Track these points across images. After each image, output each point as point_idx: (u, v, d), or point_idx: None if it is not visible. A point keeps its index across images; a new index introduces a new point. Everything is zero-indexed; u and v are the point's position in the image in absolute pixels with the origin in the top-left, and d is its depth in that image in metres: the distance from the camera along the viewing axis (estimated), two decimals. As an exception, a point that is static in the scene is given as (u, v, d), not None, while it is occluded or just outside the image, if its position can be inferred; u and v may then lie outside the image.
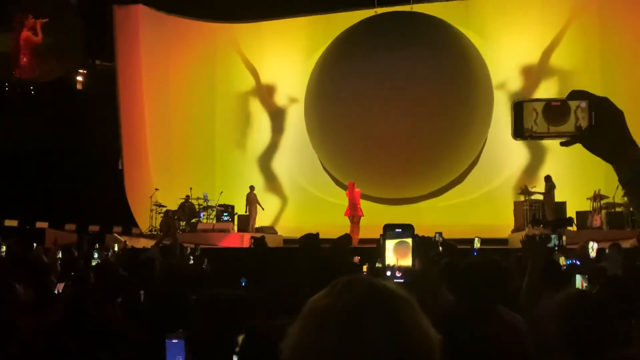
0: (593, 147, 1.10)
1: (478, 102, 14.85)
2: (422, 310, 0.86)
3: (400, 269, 2.55)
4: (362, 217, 13.06)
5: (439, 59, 14.56)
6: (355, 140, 14.80)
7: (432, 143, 14.45)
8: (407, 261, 2.20)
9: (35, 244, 8.46)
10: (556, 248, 6.15)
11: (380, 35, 14.78)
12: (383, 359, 0.79)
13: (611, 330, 1.85)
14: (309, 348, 0.82)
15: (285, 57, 17.09)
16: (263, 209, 14.92)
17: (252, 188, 15.04)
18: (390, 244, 2.20)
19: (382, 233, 2.59)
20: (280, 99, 17.48)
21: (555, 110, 1.10)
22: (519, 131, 1.12)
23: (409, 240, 2.21)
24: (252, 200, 14.88)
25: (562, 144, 1.13)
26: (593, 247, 7.28)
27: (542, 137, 1.11)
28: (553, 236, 6.71)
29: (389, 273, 2.49)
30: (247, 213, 14.79)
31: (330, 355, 0.80)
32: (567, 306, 1.89)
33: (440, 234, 7.34)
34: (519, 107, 1.12)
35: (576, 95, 1.10)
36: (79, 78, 17.04)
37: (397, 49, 14.48)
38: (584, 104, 1.09)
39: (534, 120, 1.10)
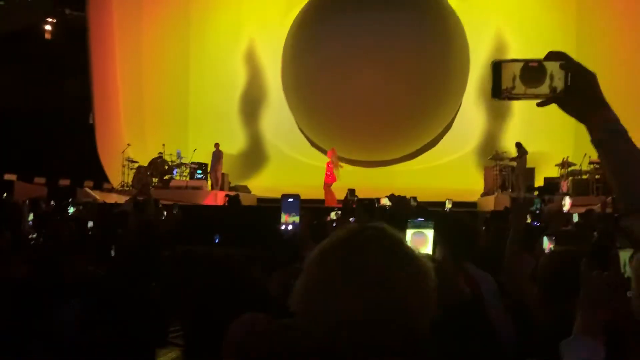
0: (567, 108, 1.14)
1: (454, 67, 14.89)
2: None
3: None
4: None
5: (416, 21, 14.48)
6: (331, 101, 14.75)
7: (407, 106, 14.49)
8: (427, 249, 2.18)
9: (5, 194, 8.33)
10: (537, 211, 6.35)
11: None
12: (380, 277, 0.89)
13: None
14: (317, 281, 0.91)
15: (263, 15, 16.74)
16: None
17: (217, 145, 14.85)
18: (407, 234, 2.22)
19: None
20: (256, 57, 17.20)
21: (532, 71, 1.12)
22: (497, 91, 1.13)
23: (427, 232, 2.20)
24: (217, 158, 14.74)
25: (538, 104, 1.15)
26: (566, 203, 7.62)
27: (519, 98, 1.14)
28: (536, 200, 6.95)
29: None
30: (210, 171, 14.64)
31: (332, 284, 0.89)
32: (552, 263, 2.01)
33: (415, 198, 7.48)
34: (497, 67, 1.13)
35: (553, 56, 1.13)
36: (48, 27, 16.43)
37: (374, 11, 14.33)
38: (559, 65, 1.11)
39: (511, 81, 1.12)
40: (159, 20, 16.45)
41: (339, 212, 6.06)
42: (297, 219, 3.51)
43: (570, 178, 12.89)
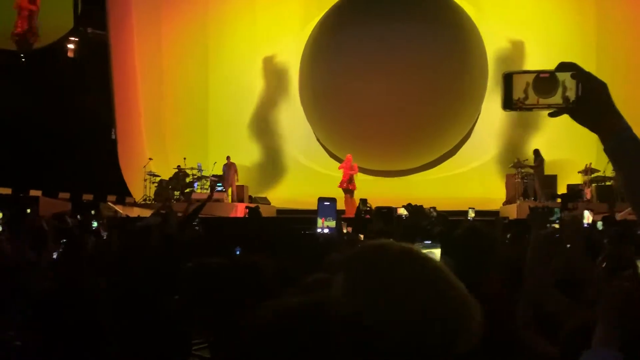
0: (580, 118, 1.14)
1: (472, 75, 14.83)
2: None
3: None
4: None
5: (434, 30, 14.47)
6: (348, 112, 14.78)
7: (426, 116, 14.46)
8: None
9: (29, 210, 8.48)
10: (557, 221, 6.24)
11: (375, 6, 14.62)
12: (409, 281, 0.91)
13: None
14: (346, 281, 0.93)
15: (280, 27, 16.90)
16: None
17: (228, 158, 15.02)
18: None
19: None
20: (274, 70, 17.34)
21: (544, 81, 1.13)
22: (508, 102, 1.14)
23: (435, 252, 2.24)
24: (230, 170, 14.88)
25: (550, 115, 1.16)
26: (585, 215, 7.41)
27: (531, 109, 1.15)
28: (556, 209, 6.82)
29: None
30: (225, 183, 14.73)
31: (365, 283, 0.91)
32: None
33: (434, 208, 7.45)
34: (508, 79, 1.14)
35: (564, 67, 1.13)
36: (71, 46, 16.79)
37: (391, 21, 14.37)
38: (570, 76, 1.12)
39: (523, 92, 1.13)
40: (178, 36, 16.71)
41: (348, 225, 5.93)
42: (333, 223, 3.51)
43: (594, 185, 12.69)
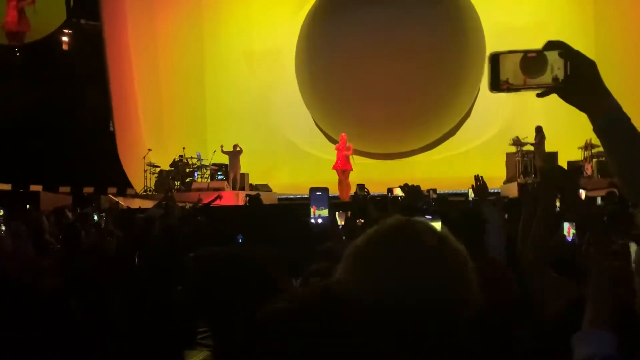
0: (568, 98, 1.12)
1: (470, 55, 14.71)
2: None
3: None
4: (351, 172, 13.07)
5: (431, 11, 14.34)
6: (346, 95, 14.71)
7: (425, 96, 14.39)
8: None
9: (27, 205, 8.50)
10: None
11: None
12: (429, 259, 0.92)
13: None
14: (360, 264, 0.93)
15: (275, 12, 16.75)
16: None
17: (235, 147, 14.95)
18: None
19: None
20: (270, 55, 17.22)
21: (531, 61, 1.10)
22: (496, 84, 1.11)
23: (436, 226, 2.25)
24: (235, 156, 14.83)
25: (538, 95, 1.13)
26: (581, 194, 7.40)
27: (518, 89, 1.11)
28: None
29: None
30: (231, 171, 14.70)
31: (379, 263, 0.92)
32: None
33: (435, 190, 7.43)
34: (495, 59, 1.11)
35: (551, 45, 1.11)
36: (65, 38, 16.67)
37: (388, 2, 14.24)
38: (558, 55, 1.09)
39: (511, 72, 1.10)
40: (172, 24, 16.59)
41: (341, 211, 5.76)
42: (325, 212, 3.52)
43: (595, 160, 12.67)
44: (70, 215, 6.59)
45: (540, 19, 15.04)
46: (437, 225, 2.25)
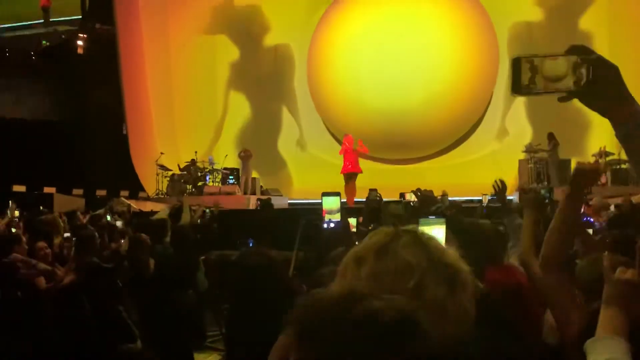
0: (590, 103, 1.10)
1: (484, 60, 14.67)
2: None
3: None
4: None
5: (444, 13, 14.33)
6: (359, 101, 14.71)
7: (438, 103, 14.35)
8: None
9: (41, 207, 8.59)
10: (546, 201, 6.17)
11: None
12: (414, 274, 0.88)
13: None
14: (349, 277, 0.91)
15: (288, 17, 16.80)
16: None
17: (246, 151, 15.05)
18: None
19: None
20: (284, 60, 17.27)
21: (553, 65, 1.08)
22: (517, 87, 1.10)
23: (439, 229, 2.22)
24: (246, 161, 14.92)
25: (559, 99, 1.12)
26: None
27: (540, 93, 1.10)
28: (543, 190, 6.78)
29: None
30: (242, 175, 14.77)
31: (368, 277, 0.89)
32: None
33: (446, 193, 7.37)
34: (517, 63, 1.10)
35: (574, 50, 1.09)
36: (80, 42, 16.87)
37: (400, 3, 14.26)
38: (580, 59, 1.08)
39: (532, 76, 1.09)
40: (185, 28, 16.70)
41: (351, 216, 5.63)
42: (337, 216, 3.52)
43: (609, 168, 12.54)
44: (82, 217, 6.64)
45: (552, 22, 14.95)
46: (441, 225, 2.23)
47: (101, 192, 13.74)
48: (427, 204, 4.41)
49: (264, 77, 17.19)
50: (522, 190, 3.11)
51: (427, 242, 0.93)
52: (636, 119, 1.08)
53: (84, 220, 6.30)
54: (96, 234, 4.17)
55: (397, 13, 14.24)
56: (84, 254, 3.84)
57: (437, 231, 2.17)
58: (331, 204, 3.55)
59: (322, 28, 15.75)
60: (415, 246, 0.91)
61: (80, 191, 13.63)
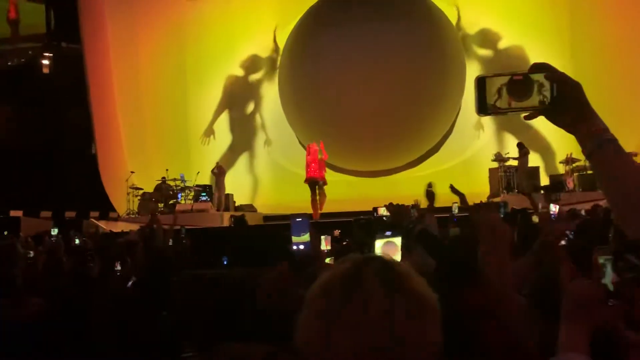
0: (555, 120, 1.12)
1: (451, 72, 14.90)
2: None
3: None
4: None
5: (411, 29, 14.53)
6: (330, 115, 14.77)
7: (407, 114, 14.49)
8: (397, 257, 2.26)
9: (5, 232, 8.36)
10: (502, 215, 6.25)
11: (353, 7, 14.66)
12: (382, 312, 0.86)
13: None
14: (317, 318, 0.88)
15: (257, 34, 16.84)
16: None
17: (219, 167, 14.96)
18: (378, 244, 2.29)
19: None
20: (253, 77, 17.28)
21: (518, 84, 1.09)
22: (483, 107, 1.11)
23: (397, 241, 2.27)
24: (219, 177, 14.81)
25: (525, 117, 1.14)
26: (552, 209, 7.52)
27: (506, 112, 1.11)
28: (502, 204, 6.92)
29: None
30: (216, 191, 14.65)
31: (336, 317, 0.86)
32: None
33: (418, 204, 7.39)
34: (481, 83, 1.11)
35: (537, 68, 1.10)
36: (45, 62, 16.59)
37: (368, 21, 14.40)
38: (544, 77, 1.09)
39: (497, 95, 1.10)
40: (154, 46, 16.58)
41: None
42: (306, 237, 3.49)
43: (576, 174, 12.83)
44: (48, 241, 6.48)
45: (518, 37, 15.30)
46: (398, 241, 2.24)
47: (70, 214, 13.45)
48: (400, 219, 4.42)
49: (235, 93, 17.15)
50: (473, 206, 3.10)
51: (394, 270, 0.91)
52: (601, 136, 1.09)
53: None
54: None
55: (367, 29, 14.38)
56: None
57: (395, 243, 2.21)
58: (299, 225, 3.53)
59: (293, 39, 15.81)
60: (383, 275, 0.89)
61: (48, 213, 13.32)
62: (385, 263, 0.92)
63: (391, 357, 0.85)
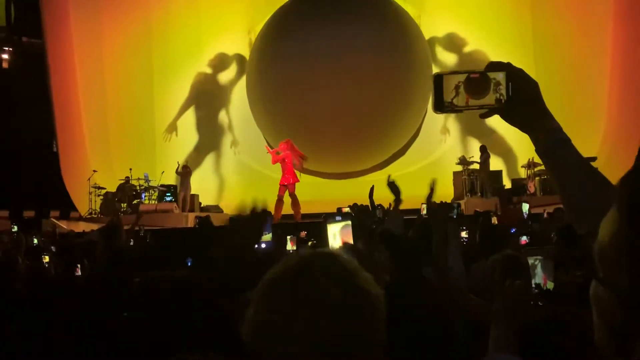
0: (511, 119, 1.12)
1: (417, 75, 15.06)
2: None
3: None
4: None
5: (378, 32, 14.64)
6: (297, 116, 14.75)
7: (374, 117, 14.59)
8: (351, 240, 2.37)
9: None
10: (455, 217, 6.41)
11: (320, 10, 14.67)
12: (330, 306, 0.85)
13: None
14: (265, 313, 0.87)
15: (225, 33, 16.70)
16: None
17: (185, 167, 14.77)
18: (336, 228, 2.33)
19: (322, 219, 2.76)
20: (220, 76, 17.13)
21: (475, 82, 1.10)
22: (440, 104, 1.11)
23: (350, 225, 2.37)
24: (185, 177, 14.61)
25: (481, 116, 1.13)
26: (525, 209, 7.74)
27: (462, 110, 1.11)
28: (455, 205, 7.10)
29: None
30: (181, 191, 14.44)
31: (284, 312, 0.86)
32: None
33: (381, 207, 7.49)
34: (439, 80, 1.11)
35: (494, 66, 1.11)
36: (5, 56, 16.10)
37: (335, 23, 14.44)
38: (501, 76, 1.09)
39: (454, 93, 1.10)
40: (120, 41, 16.24)
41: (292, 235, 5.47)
42: (269, 236, 3.47)
43: (537, 178, 13.13)
44: (7, 240, 6.29)
45: (482, 38, 15.59)
46: (347, 223, 2.31)
47: (29, 213, 13.08)
48: (364, 218, 4.50)
49: (201, 92, 16.97)
50: (429, 206, 3.19)
51: (342, 265, 0.91)
52: (554, 135, 1.10)
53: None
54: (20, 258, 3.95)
55: (333, 31, 14.41)
56: (8, 280, 3.62)
57: (348, 229, 2.29)
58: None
59: (261, 39, 15.74)
60: (330, 270, 0.89)
61: (5, 213, 12.91)
62: (332, 259, 0.91)
63: (339, 352, 0.85)
